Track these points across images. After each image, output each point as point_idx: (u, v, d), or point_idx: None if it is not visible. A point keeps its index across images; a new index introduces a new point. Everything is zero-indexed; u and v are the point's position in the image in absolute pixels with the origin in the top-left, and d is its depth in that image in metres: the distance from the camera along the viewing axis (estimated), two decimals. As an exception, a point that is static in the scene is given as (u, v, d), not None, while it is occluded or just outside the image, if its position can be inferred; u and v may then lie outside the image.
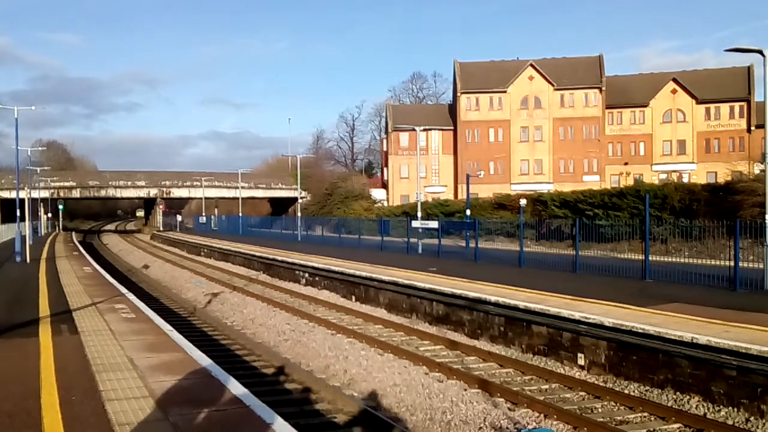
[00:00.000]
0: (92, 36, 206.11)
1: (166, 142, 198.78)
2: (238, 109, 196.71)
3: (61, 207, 72.85)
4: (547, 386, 10.46)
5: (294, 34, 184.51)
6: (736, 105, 64.74)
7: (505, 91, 67.62)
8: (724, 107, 65.13)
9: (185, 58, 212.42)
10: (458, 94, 68.37)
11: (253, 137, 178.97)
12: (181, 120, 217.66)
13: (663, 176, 61.23)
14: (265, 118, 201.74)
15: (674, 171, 63.65)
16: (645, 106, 66.93)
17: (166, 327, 10.82)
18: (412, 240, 29.57)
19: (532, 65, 67.40)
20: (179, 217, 79.74)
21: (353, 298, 19.89)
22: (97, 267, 24.33)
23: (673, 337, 9.62)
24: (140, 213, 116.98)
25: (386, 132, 75.65)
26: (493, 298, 13.64)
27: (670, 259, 21.23)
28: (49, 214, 73.33)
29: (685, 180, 54.22)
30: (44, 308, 13.06)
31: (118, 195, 76.07)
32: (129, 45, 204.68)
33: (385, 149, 76.29)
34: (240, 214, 66.00)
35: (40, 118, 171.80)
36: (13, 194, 52.63)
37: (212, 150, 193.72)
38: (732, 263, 14.84)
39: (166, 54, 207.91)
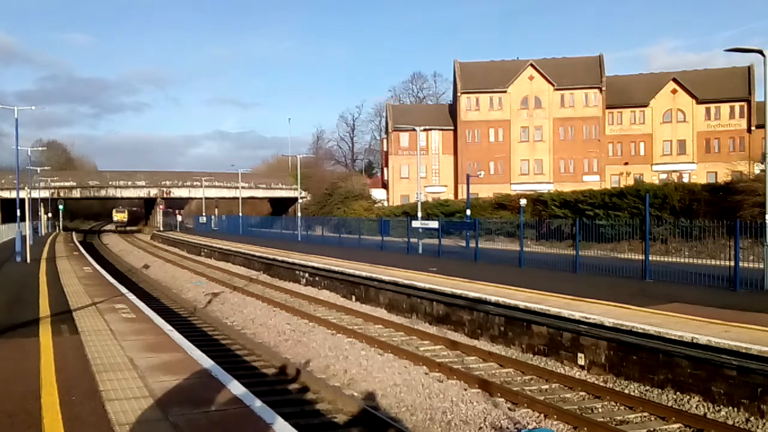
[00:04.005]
0: (103, 36, 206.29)
1: (170, 142, 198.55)
2: (244, 109, 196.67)
3: (61, 207, 72.85)
4: (547, 386, 10.46)
5: (298, 33, 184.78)
6: (737, 105, 64.70)
7: (505, 91, 67.61)
8: (725, 107, 65.11)
9: (194, 58, 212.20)
10: (458, 94, 68.36)
11: (258, 137, 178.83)
12: (186, 120, 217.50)
13: (663, 176, 61.20)
14: (270, 118, 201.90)
15: (674, 171, 63.63)
16: (645, 106, 66.90)
17: (167, 327, 10.81)
18: (412, 240, 29.57)
19: (532, 65, 67.39)
20: (179, 217, 79.75)
21: (353, 298, 19.89)
22: (98, 267, 24.33)
23: (673, 337, 9.62)
24: (120, 216, 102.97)
25: (386, 132, 75.65)
26: (493, 298, 13.64)
27: (670, 259, 21.24)
28: (50, 214, 73.34)
29: (685, 180, 54.20)
30: (44, 308, 13.05)
31: (119, 195, 76.04)
32: (139, 45, 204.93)
33: (385, 149, 76.28)
34: (240, 214, 66.00)
35: (45, 118, 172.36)
36: (13, 194, 52.67)
37: (216, 150, 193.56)
38: (732, 263, 14.85)
39: (175, 54, 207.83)
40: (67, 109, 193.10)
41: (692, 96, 65.60)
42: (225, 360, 11.44)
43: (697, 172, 62.47)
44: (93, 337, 9.85)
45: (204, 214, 75.69)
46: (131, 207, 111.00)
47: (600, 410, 9.21)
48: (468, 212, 36.03)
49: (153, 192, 74.88)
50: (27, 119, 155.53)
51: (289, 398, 9.77)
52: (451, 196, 63.34)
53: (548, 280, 16.46)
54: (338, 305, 18.77)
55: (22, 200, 39.27)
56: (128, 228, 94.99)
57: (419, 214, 31.94)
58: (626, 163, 66.48)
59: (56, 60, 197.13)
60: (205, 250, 40.89)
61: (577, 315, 11.39)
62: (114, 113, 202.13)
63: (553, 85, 66.81)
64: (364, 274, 19.51)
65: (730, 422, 8.48)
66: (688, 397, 9.34)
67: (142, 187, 74.32)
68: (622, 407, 9.26)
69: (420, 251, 28.27)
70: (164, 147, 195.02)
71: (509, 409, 9.20)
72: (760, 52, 14.54)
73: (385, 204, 68.01)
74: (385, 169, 76.23)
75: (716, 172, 53.23)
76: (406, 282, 17.05)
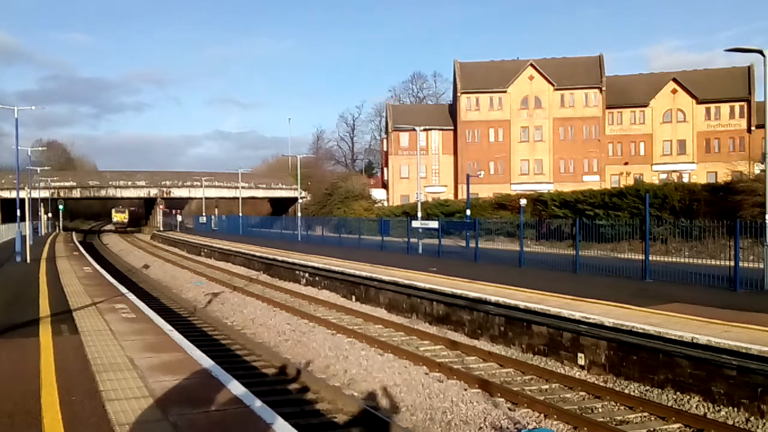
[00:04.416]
0: (104, 36, 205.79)
1: (171, 142, 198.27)
2: (245, 109, 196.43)
3: (61, 207, 72.85)
4: (547, 386, 10.46)
5: (299, 33, 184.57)
6: (737, 105, 64.73)
7: (505, 91, 67.63)
8: (725, 107, 65.14)
9: (195, 58, 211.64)
10: (458, 94, 68.38)
11: (258, 137, 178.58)
12: (187, 120, 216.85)
13: (663, 176, 61.23)
14: (270, 118, 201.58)
15: (674, 171, 63.66)
16: (645, 106, 66.93)
17: (167, 327, 10.82)
18: (412, 240, 29.57)
19: (532, 65, 67.40)
20: (179, 217, 79.71)
21: (353, 298, 19.89)
22: (97, 267, 24.32)
23: (673, 337, 9.62)
24: (120, 216, 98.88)
25: (386, 132, 75.67)
26: (493, 298, 13.64)
27: (670, 259, 21.23)
28: (50, 214, 73.34)
29: (685, 180, 54.22)
30: (44, 308, 13.06)
31: (119, 195, 76.06)
32: (140, 45, 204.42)
33: (385, 149, 76.30)
34: (240, 214, 66.00)
35: (46, 118, 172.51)
36: (13, 194, 52.68)
37: (216, 150, 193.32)
38: (732, 263, 14.84)
39: (176, 54, 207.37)
40: (68, 109, 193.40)
41: (692, 96, 65.62)
42: (225, 360, 11.44)
43: (697, 172, 62.48)
44: (93, 337, 9.85)
45: (204, 214, 75.68)
46: (130, 207, 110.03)
47: (600, 410, 9.21)
48: (468, 212, 36.04)
49: (153, 192, 74.86)
50: (28, 119, 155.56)
51: (289, 398, 9.77)
52: (451, 196, 63.36)
53: (548, 280, 16.46)
54: (338, 305, 18.77)
55: (22, 200, 39.27)
56: (128, 229, 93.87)
57: (419, 214, 31.93)
58: (626, 163, 66.50)
59: (57, 60, 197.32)
60: (205, 250, 40.89)
61: (577, 315, 11.39)
62: (115, 113, 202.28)
63: (553, 85, 66.82)
64: (364, 274, 19.51)
65: (730, 422, 8.48)
66: (688, 397, 9.34)
67: (142, 187, 74.30)
68: (622, 407, 9.26)
69: (420, 251, 28.26)
70: (165, 147, 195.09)
71: (509, 409, 9.20)
72: (760, 52, 14.54)
73: (385, 204, 68.03)
74: (385, 169, 76.25)
75: (716, 172, 53.26)
76: (406, 282, 17.05)
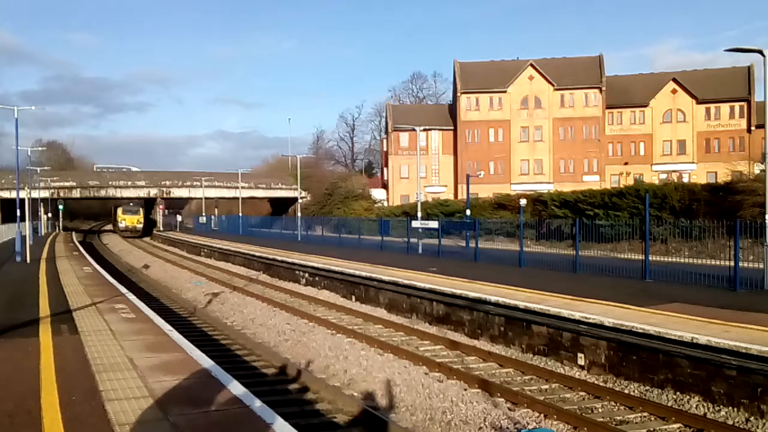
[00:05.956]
0: (107, 36, 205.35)
1: (172, 142, 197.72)
2: (246, 109, 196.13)
3: (61, 207, 72.83)
4: (547, 386, 10.47)
5: (299, 33, 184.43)
6: (736, 105, 64.73)
7: (505, 91, 67.62)
8: (724, 107, 65.13)
9: (197, 58, 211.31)
10: (458, 94, 68.37)
11: (259, 137, 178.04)
12: (189, 120, 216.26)
13: (663, 176, 61.22)
14: (272, 118, 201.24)
15: (674, 171, 63.64)
16: (645, 106, 66.92)
17: (166, 327, 10.82)
18: (412, 240, 29.57)
19: (532, 65, 67.39)
20: (179, 217, 79.67)
21: (353, 298, 19.89)
22: (97, 267, 24.32)
23: (673, 337, 9.62)
24: (131, 219, 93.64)
25: (386, 132, 75.68)
26: (493, 298, 13.64)
27: (670, 259, 21.23)
28: (49, 214, 73.33)
29: (685, 180, 54.20)
30: (44, 308, 13.06)
31: (118, 195, 75.92)
32: (143, 45, 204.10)
33: (385, 149, 76.30)
34: (240, 214, 66.00)
35: (48, 118, 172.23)
36: (13, 194, 52.65)
37: (218, 150, 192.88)
38: (732, 263, 14.84)
39: (178, 54, 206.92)
40: (71, 108, 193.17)
41: (692, 96, 65.61)
42: (225, 360, 11.45)
43: (697, 172, 62.47)
44: (93, 337, 9.85)
45: (204, 214, 75.67)
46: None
47: (600, 410, 9.21)
48: (468, 212, 36.02)
49: (153, 192, 74.75)
50: (30, 119, 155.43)
51: (289, 398, 9.78)
52: (451, 196, 63.32)
53: (548, 280, 16.46)
54: (338, 305, 18.77)
55: (22, 200, 39.27)
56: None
57: (419, 214, 31.92)
58: (626, 163, 66.49)
59: (61, 60, 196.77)
60: (205, 250, 40.89)
61: (577, 315, 11.39)
62: (117, 113, 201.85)
63: (553, 85, 66.81)
64: (364, 274, 19.51)
65: (730, 422, 8.48)
66: (688, 397, 9.34)
67: (142, 187, 74.18)
68: (622, 407, 9.26)
69: (420, 251, 28.26)
70: (166, 147, 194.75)
71: (509, 409, 9.21)
72: (760, 52, 14.53)
73: (385, 204, 68.00)
74: (385, 169, 76.24)
75: (716, 172, 53.20)
76: (406, 282, 17.05)
